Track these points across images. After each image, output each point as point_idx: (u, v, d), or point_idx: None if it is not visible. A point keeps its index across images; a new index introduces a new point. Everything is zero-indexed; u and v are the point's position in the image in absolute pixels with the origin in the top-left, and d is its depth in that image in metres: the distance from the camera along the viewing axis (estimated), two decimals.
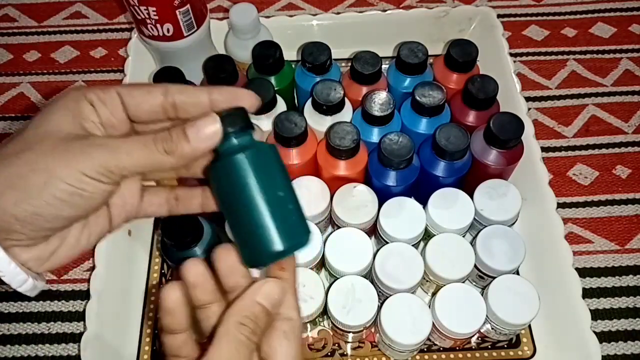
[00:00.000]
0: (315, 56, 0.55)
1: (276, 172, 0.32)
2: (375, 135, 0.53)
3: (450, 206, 0.50)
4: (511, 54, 0.63)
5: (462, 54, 0.55)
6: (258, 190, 0.31)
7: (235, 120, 0.31)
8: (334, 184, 0.51)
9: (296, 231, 0.31)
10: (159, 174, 0.35)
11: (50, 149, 0.29)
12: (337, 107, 0.53)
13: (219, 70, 0.54)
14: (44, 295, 0.55)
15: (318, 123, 0.53)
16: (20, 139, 0.30)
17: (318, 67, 0.55)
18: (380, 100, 0.52)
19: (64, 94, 0.31)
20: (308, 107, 0.54)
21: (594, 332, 0.47)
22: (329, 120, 0.53)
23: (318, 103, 0.52)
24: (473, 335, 0.49)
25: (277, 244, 0.30)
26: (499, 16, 0.66)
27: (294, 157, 0.51)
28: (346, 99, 0.54)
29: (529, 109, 0.63)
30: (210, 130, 0.30)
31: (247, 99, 0.33)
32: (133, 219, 0.34)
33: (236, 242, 0.31)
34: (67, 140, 0.29)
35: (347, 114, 0.54)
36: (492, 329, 0.47)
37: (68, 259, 0.33)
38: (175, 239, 0.45)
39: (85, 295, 0.54)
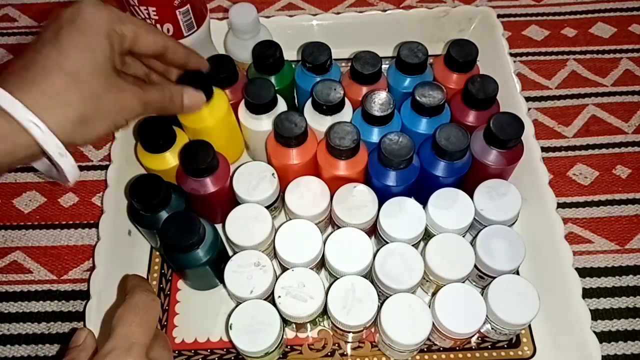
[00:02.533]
0: (316, 56, 0.55)
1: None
2: (375, 135, 0.53)
3: (450, 206, 0.50)
4: (511, 54, 0.63)
5: (462, 54, 0.55)
6: None
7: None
8: (334, 184, 0.51)
9: None
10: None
11: (105, 89, 0.36)
12: (337, 107, 0.53)
13: (219, 70, 0.54)
14: (44, 295, 0.55)
15: (318, 123, 0.53)
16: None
17: (318, 67, 0.55)
18: (380, 100, 0.52)
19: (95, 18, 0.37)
20: (308, 107, 0.54)
21: (594, 332, 0.47)
22: (329, 120, 0.53)
23: (318, 103, 0.52)
24: (473, 335, 0.49)
25: None
26: (499, 16, 0.66)
27: (294, 157, 0.51)
28: (346, 99, 0.54)
29: (529, 109, 0.63)
30: (198, 101, 0.47)
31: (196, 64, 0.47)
32: None
33: None
34: (117, 85, 0.38)
35: (347, 114, 0.54)
36: (492, 329, 0.47)
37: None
38: (176, 241, 0.45)
39: (85, 295, 0.54)
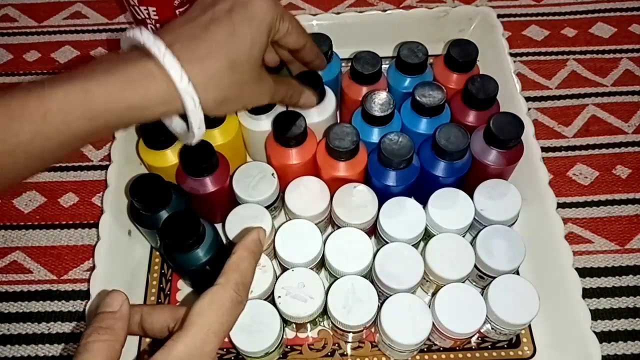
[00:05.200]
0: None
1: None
2: (375, 135, 0.53)
3: (450, 206, 0.50)
4: (511, 54, 0.63)
5: (462, 54, 0.55)
6: None
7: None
8: (334, 184, 0.51)
9: None
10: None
11: (252, 80, 0.39)
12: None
13: None
14: (44, 295, 0.55)
15: (307, 116, 0.53)
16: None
17: None
18: (380, 100, 0.52)
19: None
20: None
21: (594, 332, 0.47)
22: (313, 111, 0.53)
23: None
24: (473, 335, 0.49)
25: None
26: (499, 16, 0.66)
27: (293, 157, 0.51)
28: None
29: (529, 109, 0.63)
30: (313, 101, 0.49)
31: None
32: None
33: None
34: (260, 77, 0.40)
35: (330, 102, 0.55)
36: (492, 329, 0.47)
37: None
38: (176, 241, 0.45)
39: (85, 295, 0.54)
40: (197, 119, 0.36)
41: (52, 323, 0.54)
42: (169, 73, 0.33)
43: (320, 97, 0.52)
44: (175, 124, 0.41)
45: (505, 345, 0.50)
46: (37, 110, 0.31)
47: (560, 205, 0.54)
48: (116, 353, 0.30)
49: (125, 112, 0.34)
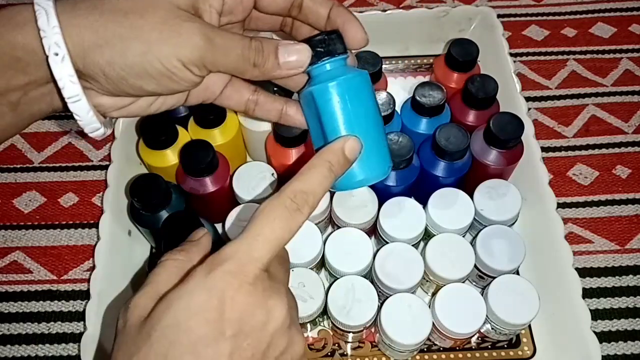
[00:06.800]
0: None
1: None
2: None
3: (450, 206, 0.50)
4: (511, 54, 0.63)
5: (462, 53, 0.55)
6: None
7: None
8: None
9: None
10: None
11: (159, 22, 0.30)
12: None
13: None
14: (44, 295, 0.55)
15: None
16: None
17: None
18: (380, 100, 0.52)
19: None
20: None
21: (594, 332, 0.47)
22: None
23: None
24: (473, 335, 0.49)
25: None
26: (499, 16, 0.66)
27: (293, 157, 0.51)
28: None
29: (529, 109, 0.63)
30: (299, 59, 0.33)
31: (356, 33, 0.35)
32: (207, 102, 0.37)
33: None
34: (175, 17, 0.30)
35: None
36: (492, 329, 0.47)
37: (134, 115, 0.35)
38: (176, 241, 0.45)
39: (85, 295, 0.54)
40: (64, 76, 0.29)
41: (52, 323, 0.54)
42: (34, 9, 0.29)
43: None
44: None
45: (505, 345, 0.50)
46: None
47: (560, 205, 0.54)
48: (184, 271, 0.31)
49: None
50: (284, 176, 0.52)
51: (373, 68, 0.54)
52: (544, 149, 0.59)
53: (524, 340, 0.51)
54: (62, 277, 0.56)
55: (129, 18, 0.30)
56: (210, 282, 0.27)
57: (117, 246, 0.53)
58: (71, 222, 0.59)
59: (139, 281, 0.54)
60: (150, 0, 0.31)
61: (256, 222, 0.29)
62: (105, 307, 0.50)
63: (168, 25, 0.30)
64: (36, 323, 0.54)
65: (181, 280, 0.30)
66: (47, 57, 0.29)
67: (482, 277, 0.50)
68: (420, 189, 0.52)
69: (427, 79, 0.66)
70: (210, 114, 0.52)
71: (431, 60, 0.67)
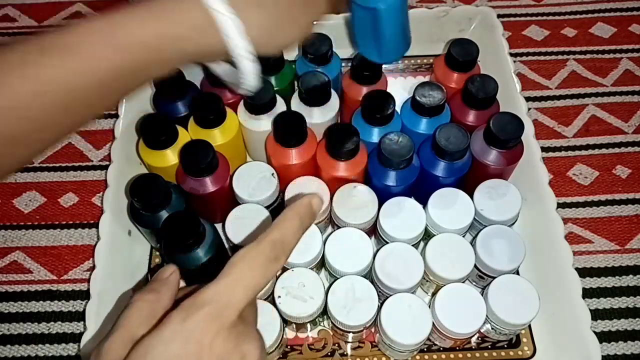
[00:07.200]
0: (317, 47, 0.55)
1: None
2: (375, 135, 0.53)
3: (450, 206, 0.50)
4: (511, 54, 0.63)
5: (462, 53, 0.55)
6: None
7: None
8: (334, 184, 0.51)
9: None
10: None
11: None
12: (323, 98, 0.53)
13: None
14: (44, 295, 0.55)
15: (307, 115, 0.53)
16: None
17: (319, 58, 0.55)
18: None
19: None
20: (295, 99, 0.55)
21: (594, 332, 0.47)
22: (316, 112, 0.53)
23: (302, 92, 0.52)
24: (473, 335, 0.49)
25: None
26: (499, 16, 0.66)
27: (293, 157, 0.51)
28: (331, 90, 0.55)
29: (529, 109, 0.63)
30: None
31: None
32: None
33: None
34: None
35: (334, 104, 0.55)
36: (492, 329, 0.47)
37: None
38: (176, 241, 0.45)
39: (85, 295, 0.54)
40: (243, 50, 0.33)
41: (52, 323, 0.54)
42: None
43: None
44: (226, 72, 0.38)
45: (505, 345, 0.50)
46: (64, 42, 0.30)
47: (560, 205, 0.54)
48: (156, 313, 0.31)
49: (153, 41, 0.31)
50: (284, 176, 0.52)
51: (373, 68, 0.54)
52: (544, 149, 0.59)
53: (524, 340, 0.51)
54: (62, 277, 0.56)
55: None
56: (187, 328, 0.28)
57: (117, 246, 0.53)
58: (71, 222, 0.59)
59: (138, 281, 0.54)
60: None
61: (235, 269, 0.30)
62: (106, 307, 0.50)
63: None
64: (36, 323, 0.54)
65: (155, 323, 0.30)
66: None
67: (482, 277, 0.50)
68: (420, 189, 0.52)
69: (427, 79, 0.66)
70: (210, 114, 0.52)
71: (431, 60, 0.67)
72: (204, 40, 0.32)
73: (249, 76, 0.35)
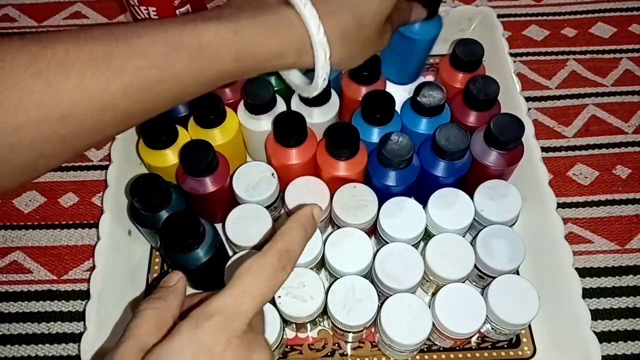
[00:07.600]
0: None
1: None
2: (375, 135, 0.53)
3: (450, 206, 0.50)
4: (511, 54, 0.63)
5: (467, 54, 0.55)
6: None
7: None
8: (334, 184, 0.51)
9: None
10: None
11: None
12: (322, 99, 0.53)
13: None
14: (44, 295, 0.55)
15: (308, 115, 0.53)
16: None
17: None
18: None
19: None
20: (295, 100, 0.54)
21: (594, 332, 0.47)
22: (316, 112, 0.53)
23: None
24: (473, 335, 0.49)
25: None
26: (499, 16, 0.66)
27: (293, 157, 0.51)
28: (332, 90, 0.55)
29: (529, 109, 0.63)
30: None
31: None
32: None
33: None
34: None
35: (333, 104, 0.55)
36: (492, 329, 0.47)
37: None
38: (176, 241, 0.45)
39: (85, 295, 0.54)
40: (324, 72, 0.36)
41: (52, 323, 0.54)
42: (308, 23, 0.34)
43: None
44: (294, 76, 0.41)
45: (505, 345, 0.51)
46: (192, 43, 0.32)
47: (560, 205, 0.54)
48: (165, 321, 0.31)
49: (263, 57, 0.34)
50: (284, 176, 0.52)
51: (372, 68, 0.54)
52: (544, 149, 0.59)
53: (524, 340, 0.51)
54: (62, 277, 0.56)
55: None
56: (198, 338, 0.28)
57: (117, 246, 0.53)
58: (71, 222, 0.59)
59: (138, 281, 0.54)
60: (372, 14, 0.37)
61: (243, 279, 0.30)
62: (106, 307, 0.50)
63: (378, 40, 0.40)
64: (36, 323, 0.54)
65: (165, 332, 0.30)
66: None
67: (482, 277, 0.50)
68: (420, 189, 0.52)
69: (427, 78, 0.66)
70: (210, 114, 0.52)
71: (431, 60, 0.67)
72: (298, 60, 0.36)
73: (318, 89, 0.39)
